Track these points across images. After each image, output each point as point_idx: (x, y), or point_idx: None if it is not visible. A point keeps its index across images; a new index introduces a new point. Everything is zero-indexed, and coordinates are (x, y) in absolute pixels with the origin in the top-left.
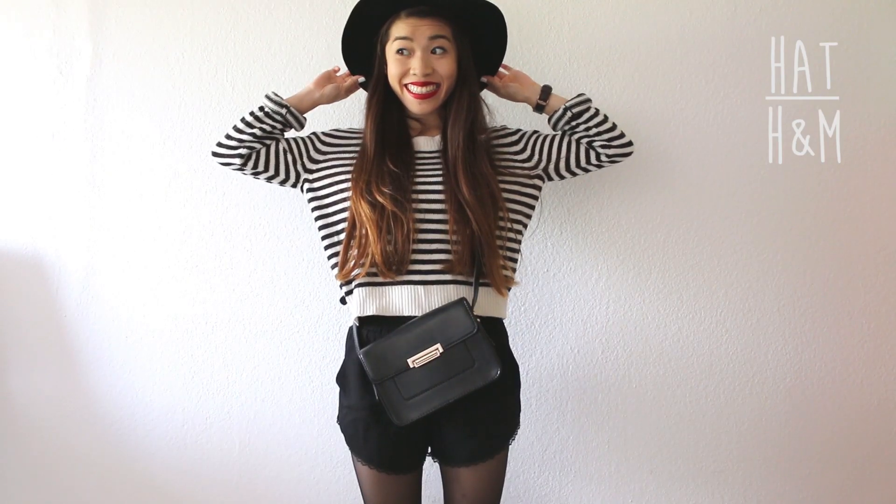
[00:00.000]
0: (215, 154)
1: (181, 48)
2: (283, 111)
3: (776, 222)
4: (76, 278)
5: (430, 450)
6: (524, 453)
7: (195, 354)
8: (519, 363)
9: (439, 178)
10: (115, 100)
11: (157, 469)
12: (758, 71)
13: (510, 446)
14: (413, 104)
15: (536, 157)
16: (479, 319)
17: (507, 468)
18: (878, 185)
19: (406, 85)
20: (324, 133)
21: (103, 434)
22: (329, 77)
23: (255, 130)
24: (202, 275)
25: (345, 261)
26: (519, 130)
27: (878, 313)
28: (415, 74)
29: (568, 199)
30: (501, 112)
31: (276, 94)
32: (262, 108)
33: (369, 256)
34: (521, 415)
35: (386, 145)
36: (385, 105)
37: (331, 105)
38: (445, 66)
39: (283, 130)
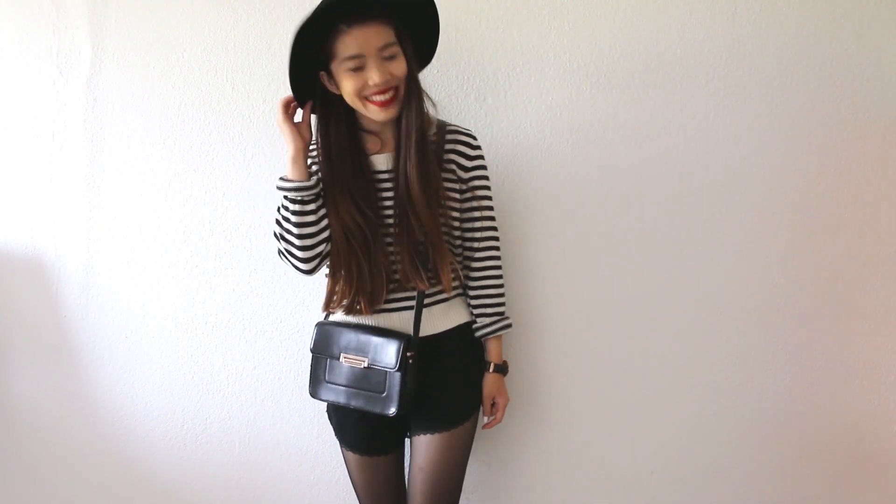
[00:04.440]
0: (305, 272)
1: (181, 48)
2: (303, 191)
3: (776, 222)
4: (76, 278)
5: (408, 433)
6: (524, 454)
7: (195, 354)
8: (516, 362)
9: (392, 203)
10: (115, 100)
11: (157, 469)
12: (758, 71)
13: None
14: (377, 113)
15: (468, 199)
16: (410, 359)
17: (506, 467)
18: (878, 185)
19: (366, 97)
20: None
21: (103, 434)
22: (290, 122)
23: (299, 227)
24: (202, 275)
25: (341, 295)
26: (479, 159)
27: (878, 313)
28: (375, 85)
29: (568, 199)
30: (501, 111)
31: (280, 181)
32: (283, 204)
33: (353, 293)
34: (520, 415)
35: (345, 165)
36: (337, 122)
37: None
38: (400, 69)
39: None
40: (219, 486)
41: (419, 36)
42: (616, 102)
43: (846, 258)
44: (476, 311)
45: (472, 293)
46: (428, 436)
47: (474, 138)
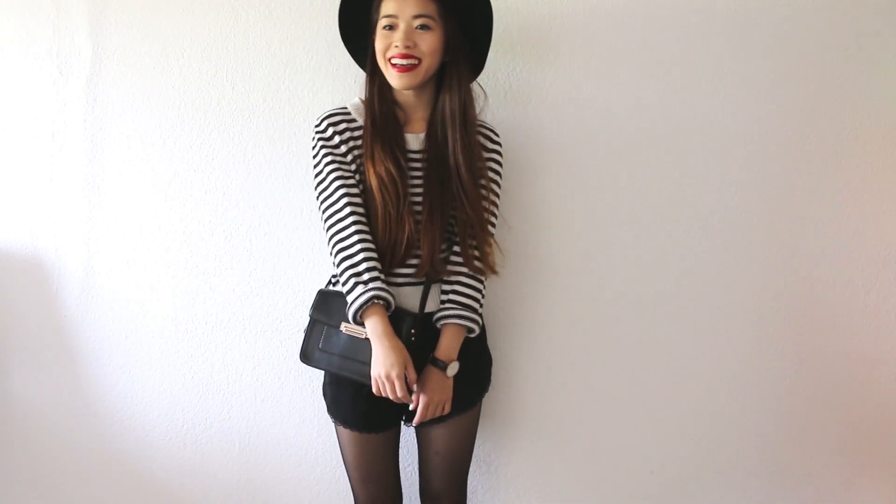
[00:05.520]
0: None
1: (181, 48)
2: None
3: (776, 222)
4: (76, 278)
5: (404, 417)
6: (525, 455)
7: (195, 354)
8: (517, 361)
9: (421, 182)
10: (115, 100)
11: (157, 469)
12: (758, 71)
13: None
14: (394, 78)
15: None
16: (413, 336)
17: (507, 468)
18: (878, 185)
19: (389, 59)
20: (322, 134)
21: (103, 434)
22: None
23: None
24: (202, 275)
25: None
26: (494, 153)
27: (878, 313)
28: (396, 47)
29: (567, 199)
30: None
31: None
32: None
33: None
34: (520, 416)
35: (384, 131)
36: (381, 86)
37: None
38: (427, 43)
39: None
40: (219, 486)
41: (476, 36)
42: (615, 103)
43: (846, 258)
44: (442, 297)
45: (446, 283)
46: (440, 424)
47: (496, 134)
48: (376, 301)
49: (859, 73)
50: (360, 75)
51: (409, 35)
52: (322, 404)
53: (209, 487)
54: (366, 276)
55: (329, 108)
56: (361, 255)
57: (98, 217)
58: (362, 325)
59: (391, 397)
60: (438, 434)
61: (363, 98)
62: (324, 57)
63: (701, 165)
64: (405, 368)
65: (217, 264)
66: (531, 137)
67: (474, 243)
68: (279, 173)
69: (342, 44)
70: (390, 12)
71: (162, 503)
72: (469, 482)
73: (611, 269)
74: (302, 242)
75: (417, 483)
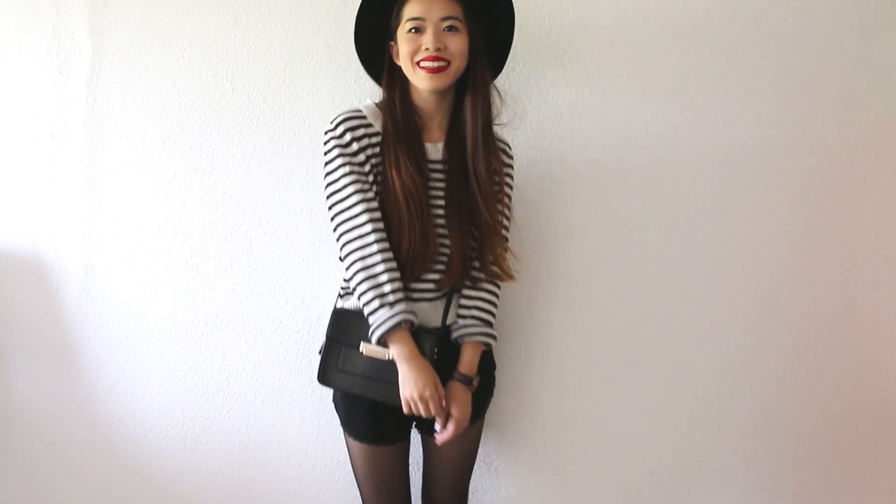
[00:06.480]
0: None
1: (181, 48)
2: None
3: (776, 222)
4: (76, 278)
5: (414, 423)
6: (526, 455)
7: (195, 354)
8: (518, 363)
9: (443, 193)
10: (115, 100)
11: (157, 469)
12: (758, 71)
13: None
14: (424, 80)
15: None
16: (436, 355)
17: (508, 469)
18: (878, 185)
19: (418, 62)
20: (339, 139)
21: (103, 434)
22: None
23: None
24: (202, 275)
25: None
26: (509, 166)
27: (878, 313)
28: (427, 50)
29: (567, 199)
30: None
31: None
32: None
33: (405, 258)
34: (521, 417)
35: (407, 138)
36: (402, 92)
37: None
38: (456, 44)
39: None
40: (219, 486)
41: (495, 39)
42: (616, 103)
43: (846, 258)
44: (462, 311)
45: (465, 297)
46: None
47: (510, 148)
48: (403, 325)
49: (859, 73)
50: (360, 75)
51: (438, 37)
52: (322, 404)
53: (209, 487)
54: (391, 298)
55: (330, 107)
56: (386, 276)
57: (98, 217)
58: (386, 345)
59: (424, 415)
60: (447, 444)
61: (377, 102)
62: (324, 57)
63: (700, 167)
64: (435, 387)
65: (217, 264)
66: (530, 137)
67: (492, 249)
68: (279, 173)
69: (342, 44)
70: (417, 14)
71: (162, 503)
72: (471, 484)
73: (609, 269)
74: (302, 242)
75: (419, 488)
